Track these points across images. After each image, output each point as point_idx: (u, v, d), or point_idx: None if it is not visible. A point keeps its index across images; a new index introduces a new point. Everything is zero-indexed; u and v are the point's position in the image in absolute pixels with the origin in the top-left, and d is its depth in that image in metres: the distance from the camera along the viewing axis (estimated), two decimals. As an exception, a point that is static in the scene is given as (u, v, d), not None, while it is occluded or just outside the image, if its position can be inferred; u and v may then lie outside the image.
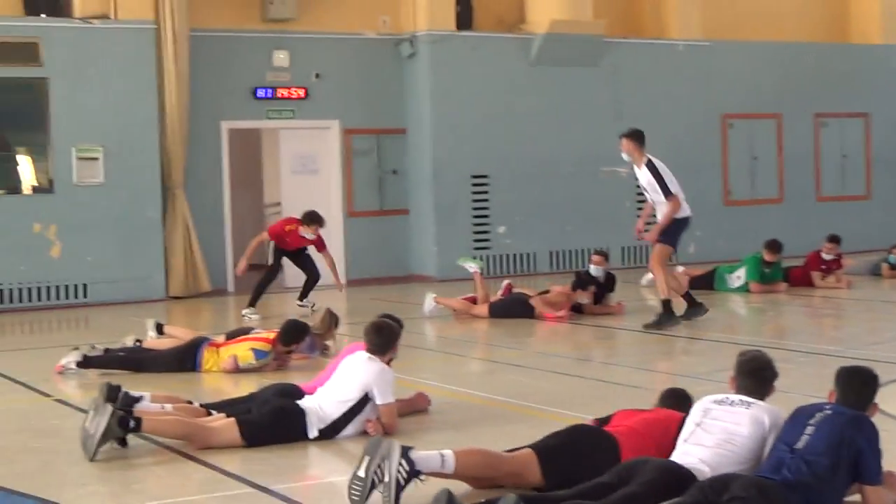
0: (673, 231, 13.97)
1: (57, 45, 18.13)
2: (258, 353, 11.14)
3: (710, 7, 23.41)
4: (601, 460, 6.39)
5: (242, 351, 11.15)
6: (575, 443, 6.65)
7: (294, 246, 16.37)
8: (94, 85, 18.32)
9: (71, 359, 11.24)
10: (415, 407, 9.00)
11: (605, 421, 7.08)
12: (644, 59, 22.48)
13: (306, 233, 16.15)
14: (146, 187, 18.65)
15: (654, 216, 14.16)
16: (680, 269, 18.81)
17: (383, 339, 8.43)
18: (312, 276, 16.60)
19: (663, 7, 23.02)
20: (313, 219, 16.22)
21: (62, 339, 14.88)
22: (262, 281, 16.27)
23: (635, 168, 14.02)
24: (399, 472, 6.20)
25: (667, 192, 13.63)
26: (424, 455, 6.35)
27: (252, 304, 16.02)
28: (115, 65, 18.44)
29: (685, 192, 14.04)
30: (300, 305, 16.41)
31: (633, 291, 18.10)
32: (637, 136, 13.92)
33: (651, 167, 13.72)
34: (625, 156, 14.02)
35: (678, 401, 7.21)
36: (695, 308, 14.08)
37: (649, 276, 18.49)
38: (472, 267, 16.03)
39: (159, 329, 12.53)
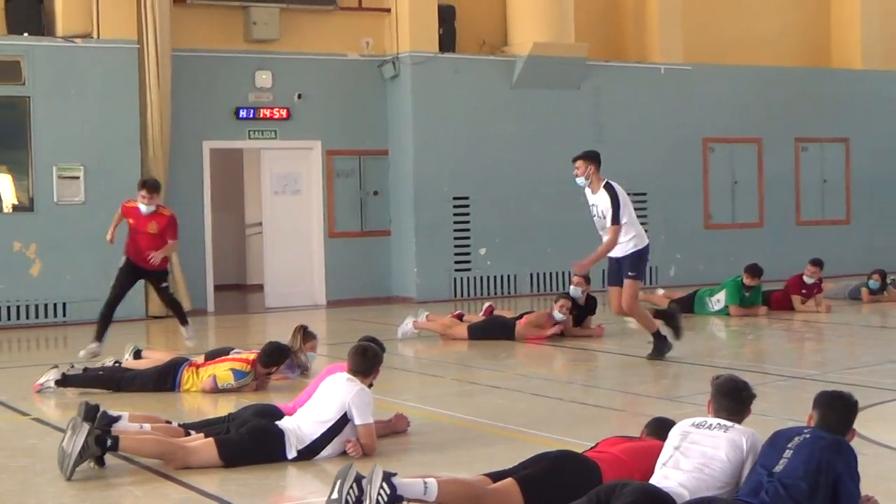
0: (641, 264, 12.96)
1: (39, 64, 18.10)
2: (237, 374, 11.11)
3: (692, 31, 23.53)
4: (585, 489, 6.27)
5: (222, 371, 11.12)
6: (558, 471, 6.60)
7: (138, 228, 13.89)
8: (76, 104, 18.29)
9: (50, 377, 11.20)
10: (394, 428, 8.99)
11: (590, 448, 7.06)
12: (626, 83, 22.56)
13: (144, 203, 13.76)
14: (127, 206, 18.57)
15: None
16: (660, 291, 18.86)
17: (367, 362, 8.42)
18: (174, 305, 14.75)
19: (645, 31, 23.13)
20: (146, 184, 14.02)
21: (41, 357, 14.82)
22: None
23: (588, 192, 12.91)
24: (380, 495, 6.19)
25: (616, 218, 12.58)
26: (407, 482, 6.34)
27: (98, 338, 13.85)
28: (98, 84, 18.42)
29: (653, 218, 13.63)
30: (189, 340, 14.39)
31: (614, 314, 18.10)
32: (595, 158, 12.98)
33: (610, 190, 12.67)
34: (581, 180, 12.99)
35: (664, 430, 7.12)
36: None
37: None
38: (408, 324, 15.38)
39: (137, 356, 12.41)
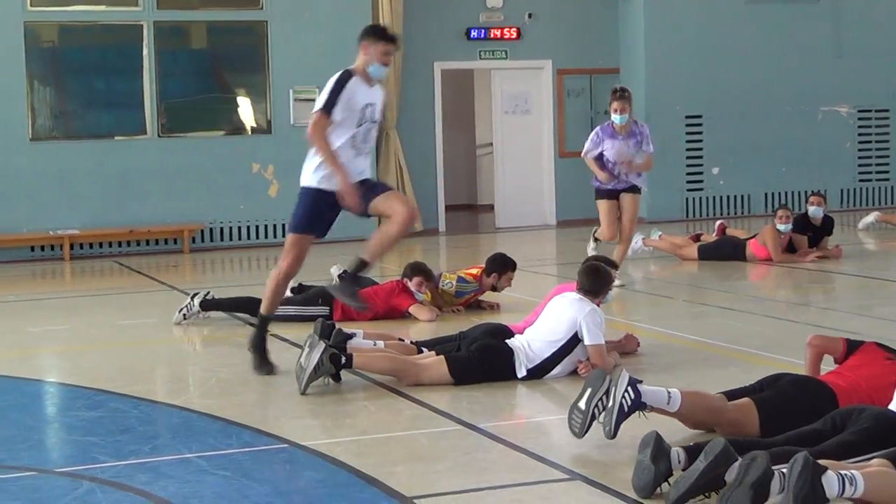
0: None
1: (275, -11, 18.52)
2: (461, 280, 11.31)
3: (942, -63, 22.36)
4: (821, 413, 6.13)
5: (449, 276, 11.36)
6: (795, 395, 6.46)
7: None
8: (311, 27, 18.64)
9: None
10: (623, 349, 8.94)
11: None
12: (869, -6, 21.68)
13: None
14: (360, 128, 18.89)
15: None
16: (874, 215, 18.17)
17: (598, 281, 8.40)
18: None
19: (890, -62, 22.12)
20: None
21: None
22: None
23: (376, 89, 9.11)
24: (624, 398, 6.17)
25: None
26: (652, 389, 6.31)
27: None
28: (331, 6, 18.72)
29: None
30: None
31: (851, 235, 17.59)
32: None
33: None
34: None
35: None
36: None
37: (868, 219, 17.99)
38: (638, 242, 14.90)
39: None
